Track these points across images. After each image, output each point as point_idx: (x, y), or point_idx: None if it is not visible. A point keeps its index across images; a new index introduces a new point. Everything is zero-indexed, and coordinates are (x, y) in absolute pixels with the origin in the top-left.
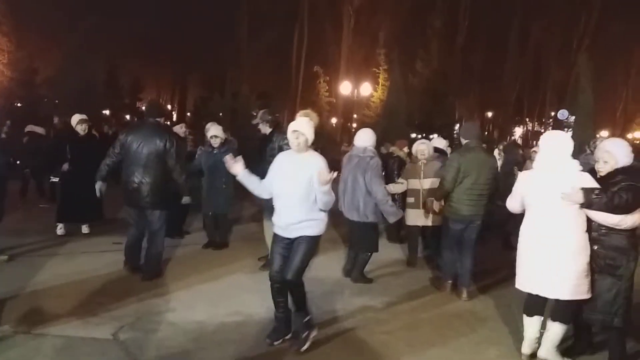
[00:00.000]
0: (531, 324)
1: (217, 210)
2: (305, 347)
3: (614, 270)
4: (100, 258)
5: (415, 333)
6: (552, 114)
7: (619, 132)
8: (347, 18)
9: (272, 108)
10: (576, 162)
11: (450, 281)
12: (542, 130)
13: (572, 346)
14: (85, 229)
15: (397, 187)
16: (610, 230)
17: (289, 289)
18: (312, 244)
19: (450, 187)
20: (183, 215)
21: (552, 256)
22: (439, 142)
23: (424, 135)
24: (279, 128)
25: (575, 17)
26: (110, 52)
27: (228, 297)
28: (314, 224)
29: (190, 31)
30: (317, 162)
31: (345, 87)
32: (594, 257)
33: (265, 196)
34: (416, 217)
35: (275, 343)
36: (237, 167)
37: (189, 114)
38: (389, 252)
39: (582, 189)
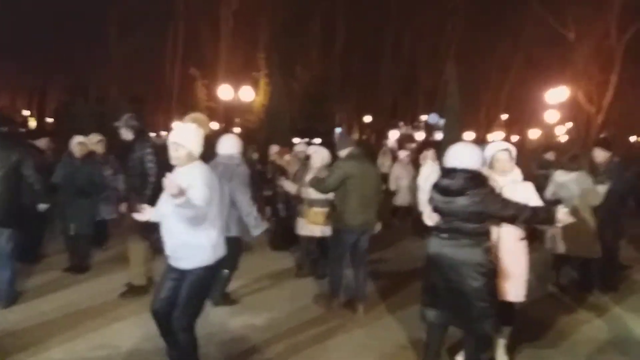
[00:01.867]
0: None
1: (78, 230)
2: None
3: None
4: None
5: (297, 349)
6: (423, 117)
7: (483, 133)
8: (225, 20)
9: (139, 114)
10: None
11: (338, 300)
12: (414, 134)
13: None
14: None
15: (291, 187)
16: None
17: (173, 333)
18: (203, 277)
19: (331, 187)
20: (38, 235)
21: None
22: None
23: (307, 140)
24: (143, 136)
25: (442, 26)
26: None
27: (92, 328)
28: (198, 252)
29: (53, 29)
30: (192, 178)
31: (225, 91)
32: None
33: None
34: (305, 226)
35: None
36: (146, 215)
37: (49, 120)
38: (275, 261)
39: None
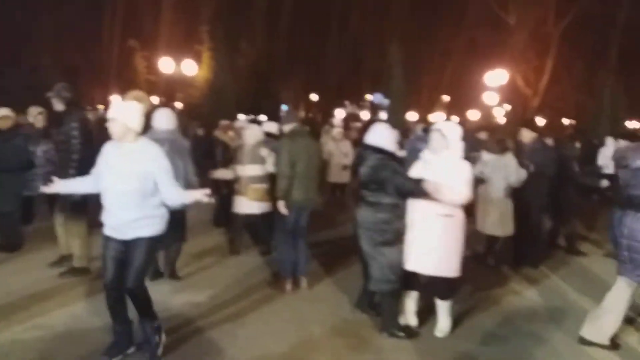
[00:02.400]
0: (412, 298)
1: (1, 207)
2: (159, 353)
3: (396, 239)
4: None
5: (240, 325)
6: (369, 97)
7: (425, 114)
8: None
9: (74, 85)
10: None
11: (290, 279)
12: (359, 113)
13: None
14: None
15: (224, 173)
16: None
17: (131, 298)
18: (152, 246)
19: (287, 174)
20: None
21: (431, 237)
22: (270, 126)
23: (253, 117)
24: (73, 108)
25: (387, 8)
26: None
27: (22, 308)
28: (151, 223)
29: None
30: (153, 156)
31: (166, 64)
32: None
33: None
34: (239, 204)
35: (114, 359)
36: (57, 188)
37: None
38: (217, 238)
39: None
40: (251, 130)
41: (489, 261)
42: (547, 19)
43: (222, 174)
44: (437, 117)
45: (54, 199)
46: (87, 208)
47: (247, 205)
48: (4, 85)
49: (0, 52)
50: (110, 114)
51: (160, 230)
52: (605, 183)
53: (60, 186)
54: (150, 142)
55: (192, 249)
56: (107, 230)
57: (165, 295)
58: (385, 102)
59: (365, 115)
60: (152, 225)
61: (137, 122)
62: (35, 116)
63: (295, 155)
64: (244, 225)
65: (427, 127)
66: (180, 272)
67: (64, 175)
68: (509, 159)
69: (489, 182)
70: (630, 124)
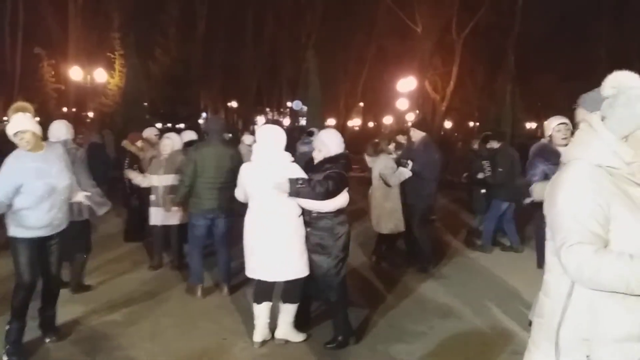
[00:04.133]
0: (262, 311)
1: None
2: None
3: (323, 249)
4: None
5: (159, 340)
6: (289, 104)
7: (342, 120)
8: None
9: None
10: (287, 154)
11: (200, 285)
12: (281, 120)
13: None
14: None
15: (140, 179)
16: (319, 213)
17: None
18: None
19: (188, 183)
20: None
21: (272, 242)
22: (189, 134)
23: (170, 125)
24: None
25: (301, 15)
26: None
27: None
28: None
29: None
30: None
31: (75, 73)
32: (308, 238)
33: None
34: (157, 216)
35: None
36: None
37: None
38: (130, 253)
39: (289, 179)
40: (169, 139)
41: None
42: (451, 28)
43: (138, 179)
44: (353, 123)
45: None
46: None
47: (165, 216)
48: None
49: None
50: (16, 128)
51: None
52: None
53: None
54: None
55: (104, 265)
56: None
57: (80, 314)
58: (305, 108)
59: (286, 121)
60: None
61: (38, 128)
62: None
63: (201, 164)
64: (161, 237)
65: (311, 131)
66: (93, 287)
67: None
68: (384, 160)
69: (374, 184)
70: (529, 125)
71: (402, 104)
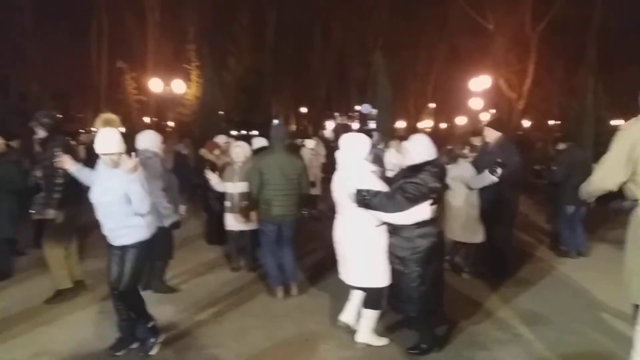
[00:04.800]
0: (353, 296)
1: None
2: (153, 352)
3: (400, 260)
4: None
5: (245, 341)
6: (357, 107)
7: (413, 123)
8: (151, 11)
9: (64, 110)
10: (367, 164)
11: (280, 286)
12: (350, 124)
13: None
14: None
15: (215, 182)
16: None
17: (123, 299)
18: (138, 252)
19: (255, 191)
20: None
21: (349, 249)
22: (260, 141)
23: (245, 133)
24: (55, 134)
25: (368, 17)
26: None
27: (28, 337)
28: (133, 231)
29: None
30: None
31: (155, 84)
32: (389, 248)
33: None
34: (233, 222)
35: (118, 353)
36: (68, 162)
37: None
38: (211, 255)
39: (357, 190)
40: (239, 147)
41: (464, 273)
42: (525, 23)
43: (213, 178)
44: (424, 125)
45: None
46: (68, 232)
47: (237, 222)
48: None
49: None
50: (102, 149)
51: (144, 237)
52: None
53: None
54: (127, 160)
55: (189, 266)
56: (107, 238)
57: (170, 314)
58: (374, 111)
59: (355, 125)
60: (134, 233)
61: (120, 146)
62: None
63: (266, 172)
64: (238, 241)
65: (370, 134)
66: (179, 288)
67: (49, 199)
68: (462, 166)
69: (451, 190)
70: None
71: (475, 103)
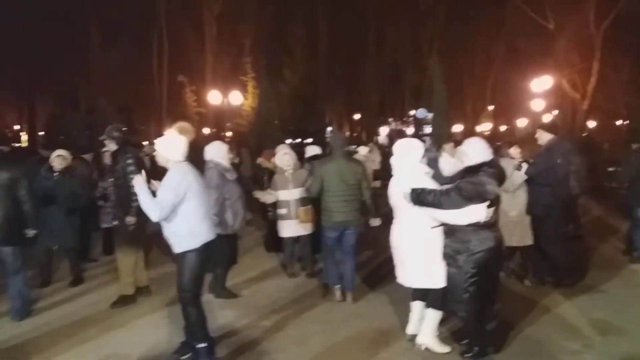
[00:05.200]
0: (414, 308)
1: (64, 243)
2: None
3: (454, 261)
4: None
5: (304, 347)
6: (412, 113)
7: (470, 126)
8: (209, 25)
9: (129, 123)
10: (423, 166)
11: (338, 287)
12: (404, 129)
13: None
14: None
15: (266, 197)
16: (456, 225)
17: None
18: (183, 261)
19: (313, 194)
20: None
21: (405, 250)
22: (314, 149)
23: (300, 141)
24: (125, 146)
25: (422, 22)
26: None
27: (99, 340)
28: (179, 240)
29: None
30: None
31: (213, 97)
32: (444, 249)
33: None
34: (289, 228)
35: (183, 357)
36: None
37: (40, 133)
38: (270, 262)
39: (412, 189)
40: (287, 155)
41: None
42: (588, 21)
43: (264, 197)
44: (483, 128)
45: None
46: (140, 239)
47: (297, 227)
48: (65, 126)
49: (61, 96)
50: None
51: (186, 247)
52: None
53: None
54: (171, 169)
55: (250, 273)
56: None
57: (231, 319)
58: (429, 116)
59: (410, 130)
60: (177, 243)
61: (170, 151)
62: (56, 159)
63: (327, 178)
64: (293, 248)
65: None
66: (240, 294)
67: (124, 210)
68: (503, 164)
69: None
70: None
71: (537, 104)
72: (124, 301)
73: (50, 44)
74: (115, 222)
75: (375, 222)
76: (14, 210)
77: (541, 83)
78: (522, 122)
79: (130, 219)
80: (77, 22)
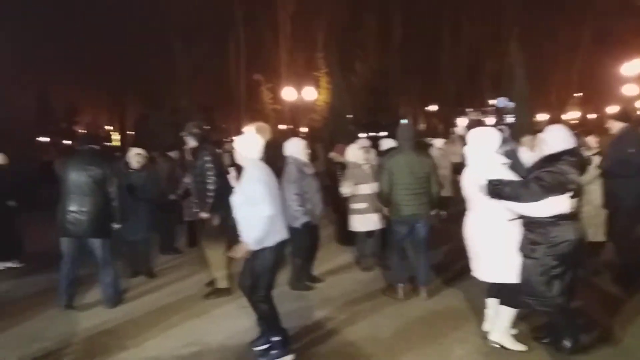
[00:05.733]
0: (490, 305)
1: (140, 236)
2: None
3: (532, 252)
4: (40, 296)
5: (378, 341)
6: (492, 102)
7: (556, 115)
8: (284, 23)
9: (209, 121)
10: (499, 157)
11: (401, 284)
12: (484, 120)
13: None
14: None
15: (345, 189)
16: (535, 217)
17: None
18: (257, 259)
19: (385, 190)
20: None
21: (480, 243)
22: (389, 143)
23: (373, 134)
24: (204, 143)
25: (501, 7)
26: (40, 77)
27: (182, 327)
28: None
29: (123, 47)
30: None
31: (288, 93)
32: (522, 242)
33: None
34: (365, 222)
35: (259, 348)
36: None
37: (130, 132)
38: (344, 256)
39: (488, 180)
40: (366, 149)
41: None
42: None
43: (345, 189)
44: (570, 116)
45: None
46: (225, 232)
47: (367, 221)
48: (151, 126)
49: (147, 98)
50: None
51: (271, 243)
52: None
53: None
54: (248, 166)
55: (323, 265)
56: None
57: (304, 310)
58: (510, 105)
59: (490, 121)
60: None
61: (246, 150)
62: (134, 156)
63: (395, 171)
64: (365, 242)
65: (500, 129)
66: (312, 285)
67: (202, 205)
68: None
69: None
70: None
71: (629, 89)
72: (218, 293)
73: (137, 49)
74: (198, 216)
75: (442, 215)
76: (104, 205)
77: (633, 66)
78: (612, 109)
79: (204, 214)
80: (161, 27)
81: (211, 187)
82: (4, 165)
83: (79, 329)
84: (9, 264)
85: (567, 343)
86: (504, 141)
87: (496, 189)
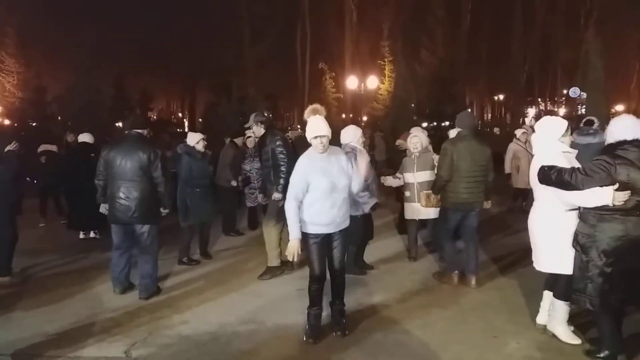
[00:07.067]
0: (545, 297)
1: (207, 219)
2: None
3: (580, 246)
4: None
5: (430, 330)
6: (564, 92)
7: (635, 105)
8: (349, 13)
9: (275, 110)
10: (561, 145)
11: (456, 272)
12: (555, 110)
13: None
14: (92, 234)
15: (391, 181)
16: (584, 207)
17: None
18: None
19: (446, 177)
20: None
21: (535, 232)
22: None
23: (436, 124)
24: (272, 129)
25: None
26: (116, 64)
27: (240, 305)
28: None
29: (194, 38)
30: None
31: (351, 82)
32: (574, 233)
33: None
34: (413, 211)
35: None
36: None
37: (200, 120)
38: (401, 244)
39: (541, 166)
40: (416, 137)
41: None
42: None
43: (390, 181)
44: None
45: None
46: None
47: (421, 211)
48: (220, 114)
49: (216, 86)
50: (317, 132)
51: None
52: None
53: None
54: (335, 148)
55: (379, 252)
56: (320, 229)
57: (357, 296)
58: (584, 95)
59: (562, 111)
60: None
61: (330, 132)
62: (197, 142)
63: (457, 158)
64: (418, 231)
65: (590, 120)
66: (368, 272)
67: (269, 187)
68: None
69: None
70: None
71: None
72: (270, 272)
73: (208, 40)
74: (260, 201)
75: (487, 204)
76: (150, 190)
77: None
78: None
79: (277, 195)
80: (230, 19)
81: (284, 168)
82: (90, 143)
83: (142, 302)
84: (92, 235)
85: (601, 354)
86: (595, 133)
87: (545, 175)
